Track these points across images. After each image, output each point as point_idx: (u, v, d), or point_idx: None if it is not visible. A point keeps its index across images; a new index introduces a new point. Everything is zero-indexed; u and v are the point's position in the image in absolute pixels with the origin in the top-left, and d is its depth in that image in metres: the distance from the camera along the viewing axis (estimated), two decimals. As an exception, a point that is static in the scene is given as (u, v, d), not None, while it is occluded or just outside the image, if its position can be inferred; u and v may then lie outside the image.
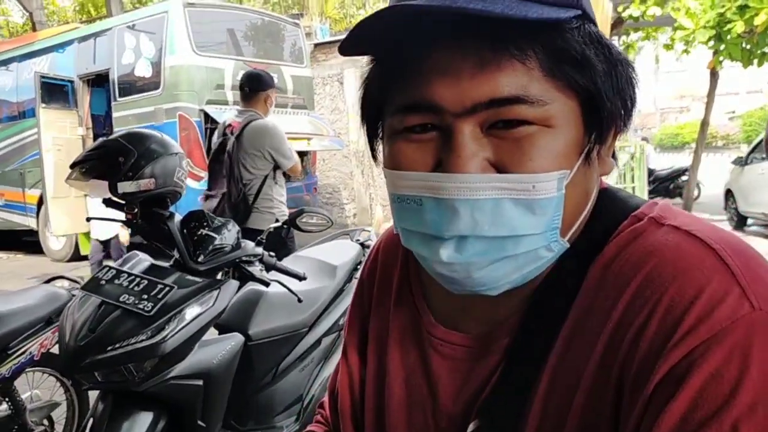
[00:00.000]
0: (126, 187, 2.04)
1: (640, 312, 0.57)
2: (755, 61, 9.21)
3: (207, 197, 4.37)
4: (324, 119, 10.82)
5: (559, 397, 0.62)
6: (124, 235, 6.39)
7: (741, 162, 10.66)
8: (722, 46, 9.21)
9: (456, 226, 0.59)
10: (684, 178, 13.80)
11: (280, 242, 3.58)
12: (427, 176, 0.61)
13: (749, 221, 10.75)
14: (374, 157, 0.74)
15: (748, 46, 9.09)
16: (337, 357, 2.87)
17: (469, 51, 0.58)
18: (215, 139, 4.35)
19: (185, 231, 2.17)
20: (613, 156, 0.69)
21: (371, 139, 0.73)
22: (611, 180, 7.67)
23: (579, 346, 0.62)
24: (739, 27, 8.53)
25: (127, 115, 8.66)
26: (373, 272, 0.90)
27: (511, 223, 0.59)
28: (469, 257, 0.60)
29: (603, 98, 0.61)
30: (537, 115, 0.58)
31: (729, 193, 10.99)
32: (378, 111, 0.69)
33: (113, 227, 6.27)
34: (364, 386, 0.86)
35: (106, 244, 6.66)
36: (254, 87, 4.16)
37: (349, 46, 0.62)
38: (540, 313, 0.67)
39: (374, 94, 0.69)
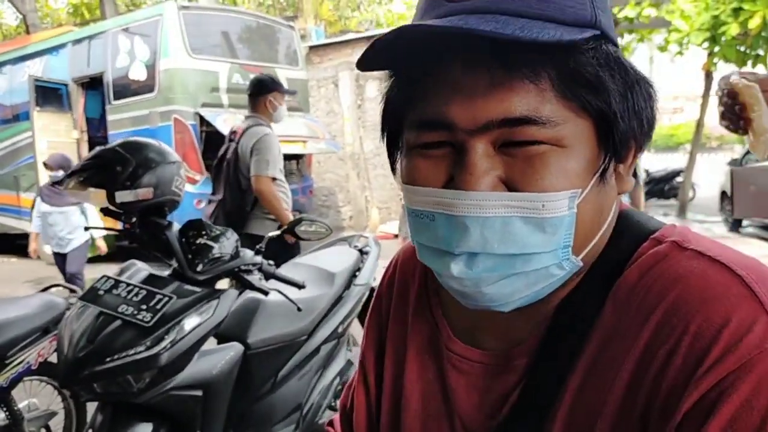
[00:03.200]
0: (124, 196, 2.03)
1: (666, 340, 0.57)
2: (749, 62, 9.25)
3: (210, 201, 4.37)
4: (319, 122, 10.82)
5: (581, 423, 0.62)
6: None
7: (737, 164, 10.70)
8: (717, 48, 9.24)
9: (466, 242, 0.59)
10: (679, 179, 13.86)
11: (284, 248, 3.51)
12: (438, 192, 0.61)
13: (744, 223, 10.78)
14: (393, 170, 0.74)
15: (743, 48, 9.13)
16: (336, 364, 2.88)
17: (483, 70, 0.58)
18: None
19: (184, 240, 2.16)
20: (634, 174, 0.68)
21: (391, 151, 0.73)
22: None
23: (602, 372, 0.61)
24: (733, 29, 8.57)
25: (121, 119, 8.65)
26: (391, 286, 0.89)
27: (520, 241, 0.59)
28: (479, 273, 0.60)
29: (617, 120, 0.60)
30: (549, 136, 0.58)
31: (724, 195, 11.02)
32: (398, 124, 0.69)
33: (77, 238, 5.87)
34: (380, 401, 0.85)
35: (63, 258, 5.97)
36: (254, 91, 4.17)
37: (366, 63, 0.62)
38: (560, 334, 0.66)
39: (393, 107, 0.69)
